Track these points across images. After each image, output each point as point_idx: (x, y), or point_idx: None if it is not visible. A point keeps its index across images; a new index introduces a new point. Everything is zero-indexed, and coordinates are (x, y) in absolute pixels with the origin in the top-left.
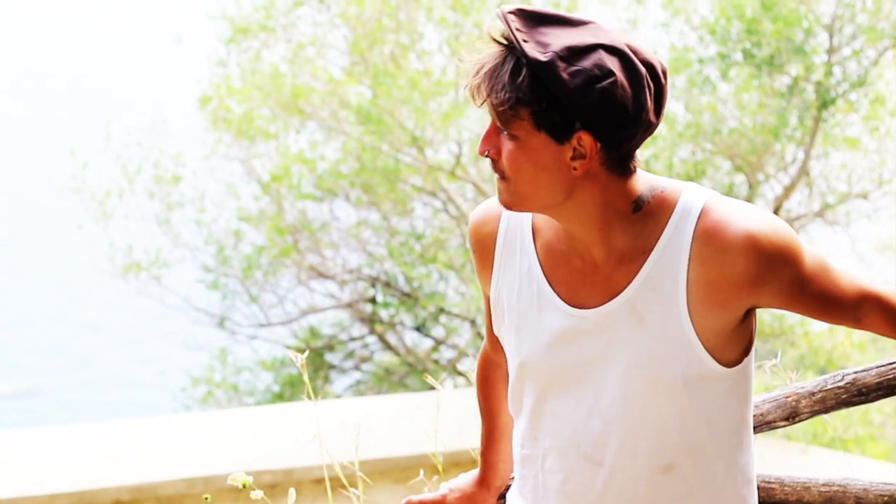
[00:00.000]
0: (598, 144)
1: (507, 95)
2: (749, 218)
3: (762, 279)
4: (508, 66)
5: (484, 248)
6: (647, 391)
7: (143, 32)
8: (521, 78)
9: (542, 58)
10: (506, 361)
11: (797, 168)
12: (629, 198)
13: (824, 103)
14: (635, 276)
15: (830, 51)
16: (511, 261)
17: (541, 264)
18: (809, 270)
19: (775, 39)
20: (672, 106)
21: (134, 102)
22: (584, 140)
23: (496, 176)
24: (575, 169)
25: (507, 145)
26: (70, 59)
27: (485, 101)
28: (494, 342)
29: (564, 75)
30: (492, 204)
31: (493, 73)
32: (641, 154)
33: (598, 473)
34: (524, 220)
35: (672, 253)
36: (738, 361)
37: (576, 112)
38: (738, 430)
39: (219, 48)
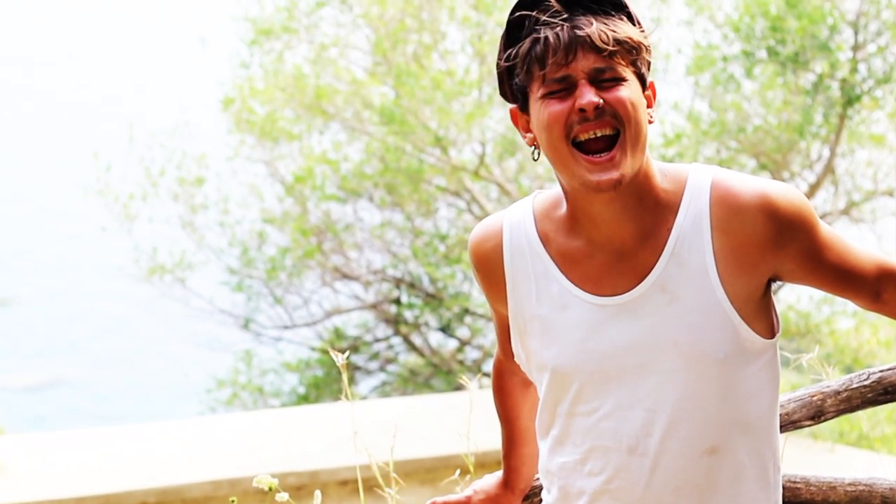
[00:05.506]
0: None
1: (621, 35)
2: (759, 181)
3: (783, 238)
4: (608, 12)
5: (491, 264)
6: (687, 370)
7: (166, 34)
8: (624, 21)
9: (627, 2)
10: (520, 370)
11: (822, 166)
12: (653, 167)
13: (849, 100)
14: (660, 254)
15: (855, 47)
16: (524, 269)
17: (557, 265)
18: (826, 236)
19: (800, 37)
20: (696, 104)
21: (157, 105)
22: (652, 87)
23: (602, 134)
24: (650, 118)
25: (616, 91)
26: (93, 61)
27: (583, 52)
28: (507, 351)
29: (639, 20)
30: (489, 222)
31: (602, 19)
32: (665, 153)
33: (644, 465)
34: (528, 228)
35: (693, 226)
36: (770, 337)
37: (650, 56)
38: (773, 412)
39: (241, 50)
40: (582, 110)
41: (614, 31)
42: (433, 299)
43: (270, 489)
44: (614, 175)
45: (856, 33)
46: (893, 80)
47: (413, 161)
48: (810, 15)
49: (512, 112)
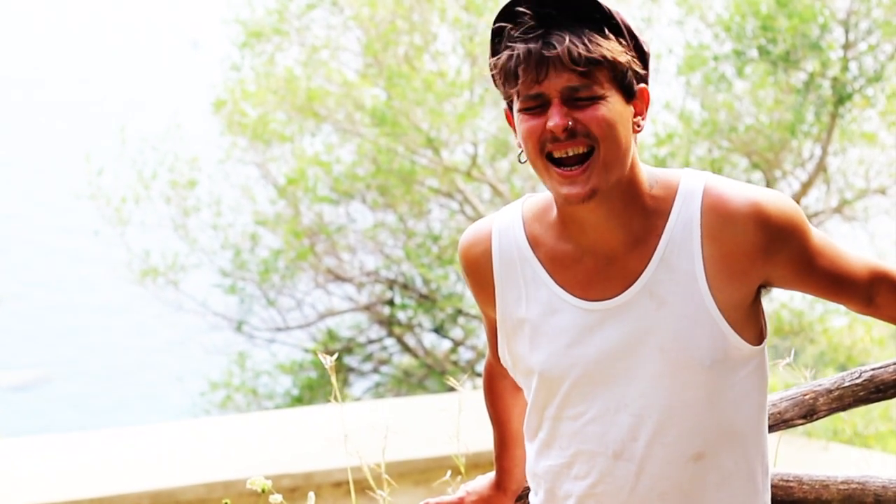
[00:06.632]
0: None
1: (595, 53)
2: (751, 189)
3: (773, 247)
4: (587, 26)
5: (480, 267)
6: (674, 376)
7: (158, 38)
8: (603, 35)
9: (614, 12)
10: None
11: (814, 164)
12: (642, 173)
13: (841, 99)
14: (649, 260)
15: (846, 46)
16: (512, 273)
17: (546, 270)
18: (817, 242)
19: (791, 35)
20: (688, 104)
21: (149, 108)
22: (644, 94)
23: (574, 153)
24: (637, 127)
25: (591, 110)
26: (85, 64)
27: (555, 70)
28: (497, 353)
29: (632, 27)
30: (478, 226)
31: (578, 34)
32: (657, 153)
33: (630, 470)
34: (517, 233)
35: (683, 232)
36: (758, 343)
37: (642, 66)
38: (761, 418)
39: (233, 52)
40: (551, 131)
41: (588, 50)
42: (426, 300)
43: (264, 491)
44: (584, 189)
45: (846, 32)
46: (884, 78)
47: (405, 162)
48: (801, 14)
49: (506, 112)
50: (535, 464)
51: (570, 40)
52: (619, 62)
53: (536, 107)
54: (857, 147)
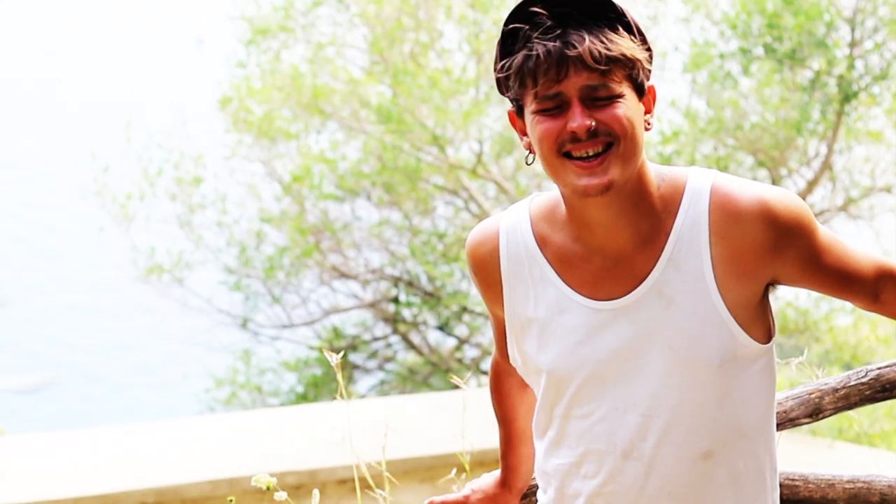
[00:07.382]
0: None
1: (615, 51)
2: (759, 187)
3: (781, 244)
4: (603, 24)
5: (488, 267)
6: (683, 375)
7: (163, 35)
8: (618, 32)
9: (624, 9)
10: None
11: (820, 162)
12: (650, 172)
13: (846, 97)
14: (658, 259)
15: (852, 44)
16: (520, 273)
17: (554, 269)
18: (824, 240)
19: (797, 33)
20: (694, 101)
21: (154, 105)
22: (652, 92)
23: (594, 152)
24: (647, 124)
25: (611, 110)
26: (90, 62)
27: (575, 69)
28: (504, 352)
29: (640, 26)
30: (485, 225)
31: (595, 33)
32: (663, 150)
33: (638, 469)
34: (524, 232)
35: (691, 232)
36: (766, 341)
37: (650, 63)
38: (769, 416)
39: (238, 49)
40: (573, 132)
41: (608, 49)
42: (431, 297)
43: (269, 488)
44: (603, 179)
45: (853, 30)
46: (890, 76)
47: (410, 160)
48: (807, 12)
49: (510, 114)
50: (545, 462)
51: (589, 39)
52: (637, 59)
53: (554, 108)
54: (862, 145)
